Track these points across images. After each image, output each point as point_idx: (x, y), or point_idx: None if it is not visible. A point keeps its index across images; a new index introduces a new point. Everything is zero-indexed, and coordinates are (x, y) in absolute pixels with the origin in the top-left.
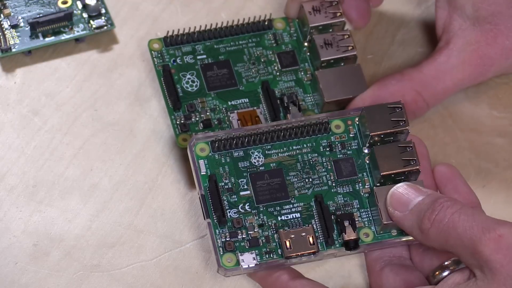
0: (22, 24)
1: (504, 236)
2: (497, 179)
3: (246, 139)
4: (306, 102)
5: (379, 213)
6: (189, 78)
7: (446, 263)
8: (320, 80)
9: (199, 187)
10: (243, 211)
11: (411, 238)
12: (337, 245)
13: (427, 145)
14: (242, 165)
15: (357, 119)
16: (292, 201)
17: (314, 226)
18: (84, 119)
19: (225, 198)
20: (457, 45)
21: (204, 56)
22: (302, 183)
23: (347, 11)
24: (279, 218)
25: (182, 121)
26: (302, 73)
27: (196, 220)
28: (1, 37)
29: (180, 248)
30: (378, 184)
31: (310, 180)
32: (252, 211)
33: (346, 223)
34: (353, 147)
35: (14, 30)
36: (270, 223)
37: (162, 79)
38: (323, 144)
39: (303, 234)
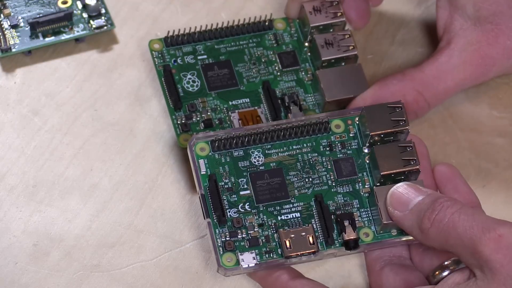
0: (22, 24)
1: (504, 236)
2: (497, 179)
3: (246, 139)
4: (307, 102)
5: (379, 212)
6: (189, 78)
7: (446, 263)
8: (321, 80)
9: (199, 186)
10: (243, 210)
11: (411, 238)
12: (337, 245)
13: (427, 145)
14: (242, 165)
15: (357, 119)
16: (292, 201)
17: (314, 225)
18: (84, 119)
19: (225, 198)
20: (458, 45)
21: (205, 56)
22: (302, 183)
23: (346, 11)
24: (279, 218)
25: (183, 121)
26: (303, 73)
27: (196, 220)
28: (1, 37)
29: (180, 248)
30: (378, 184)
31: (310, 179)
32: (252, 211)
33: (346, 223)
34: (353, 146)
35: (14, 30)
36: (270, 223)
37: (163, 79)
38: (323, 144)
39: (303, 233)
